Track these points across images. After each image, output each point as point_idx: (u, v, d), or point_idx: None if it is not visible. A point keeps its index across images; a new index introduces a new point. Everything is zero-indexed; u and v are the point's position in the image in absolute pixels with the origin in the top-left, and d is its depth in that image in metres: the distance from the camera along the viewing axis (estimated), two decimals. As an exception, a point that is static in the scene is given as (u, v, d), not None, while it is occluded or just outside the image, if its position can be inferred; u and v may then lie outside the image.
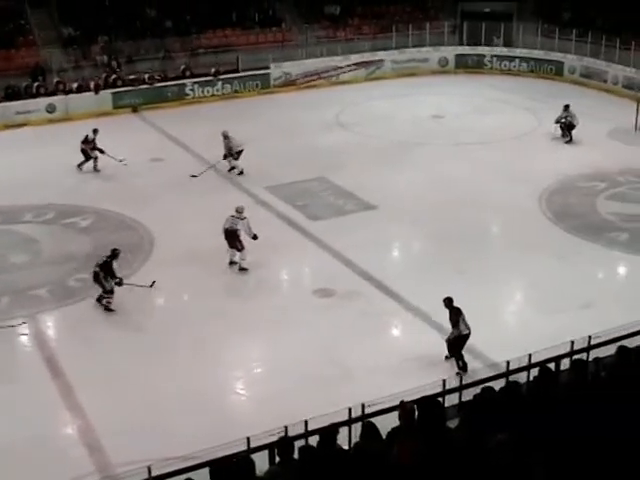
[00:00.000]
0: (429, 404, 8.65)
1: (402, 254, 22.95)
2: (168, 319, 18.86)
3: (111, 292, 18.98)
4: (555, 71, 41.78)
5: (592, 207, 24.76)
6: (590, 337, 14.72)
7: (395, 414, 9.05)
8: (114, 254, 19.09)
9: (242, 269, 20.86)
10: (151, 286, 19.30)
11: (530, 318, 18.51)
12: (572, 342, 14.52)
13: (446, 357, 16.82)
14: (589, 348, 14.58)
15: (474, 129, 32.76)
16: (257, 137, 30.52)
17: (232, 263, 21.02)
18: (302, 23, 42.46)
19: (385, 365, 16.51)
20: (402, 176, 27.16)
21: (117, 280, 18.92)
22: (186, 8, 40.71)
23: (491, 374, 13.82)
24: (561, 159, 29.13)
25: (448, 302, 16.60)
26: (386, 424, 9.10)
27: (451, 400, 13.06)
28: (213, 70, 37.96)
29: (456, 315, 16.49)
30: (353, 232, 22.94)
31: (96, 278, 18.95)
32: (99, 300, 19.09)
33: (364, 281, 20.25)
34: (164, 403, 15.50)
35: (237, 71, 38.91)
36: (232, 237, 20.73)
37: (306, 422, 11.86)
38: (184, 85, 37.45)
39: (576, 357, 13.29)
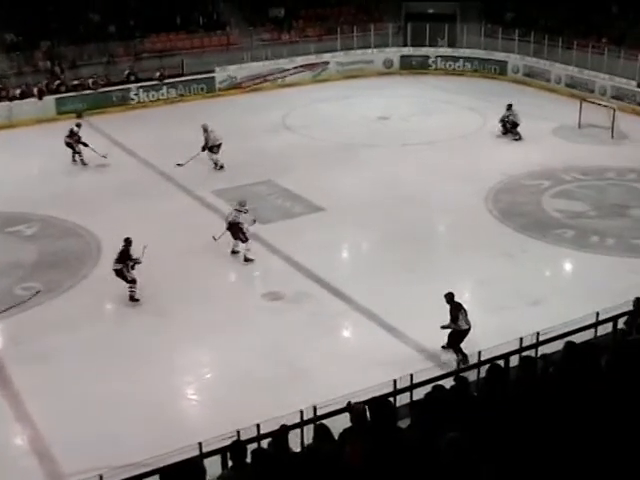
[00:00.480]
0: (380, 404, 8.67)
1: (351, 255, 22.99)
2: (116, 326, 18.73)
3: (134, 282, 19.46)
4: (499, 71, 42.24)
5: (538, 205, 25.02)
6: (538, 333, 14.89)
7: (347, 415, 9.07)
8: (128, 242, 19.57)
9: (247, 260, 21.49)
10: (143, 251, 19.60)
11: (479, 316, 18.57)
12: (521, 339, 14.65)
13: (442, 347, 16.92)
14: (537, 344, 14.73)
15: (420, 130, 32.96)
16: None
17: (234, 252, 21.78)
18: (247, 26, 42.39)
19: (336, 366, 16.52)
20: (349, 178, 27.22)
21: (137, 261, 19.52)
22: (130, 12, 40.47)
23: (442, 372, 13.89)
24: (507, 158, 29.42)
25: (449, 298, 16.75)
26: (338, 425, 9.11)
27: (403, 399, 13.12)
28: (158, 74, 37.76)
29: (456, 310, 16.64)
30: (302, 234, 22.95)
31: (119, 274, 19.47)
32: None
33: (313, 283, 20.26)
34: (114, 410, 15.34)
35: (182, 75, 38.77)
36: (235, 229, 21.46)
37: (258, 425, 11.84)
38: (129, 90, 37.20)
39: (525, 353, 13.41)
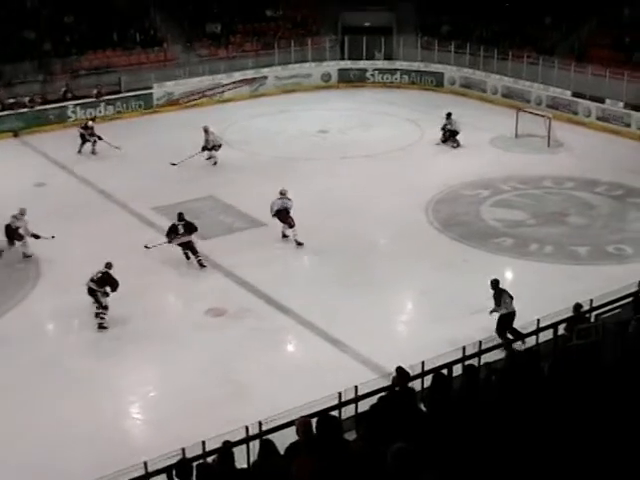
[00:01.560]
0: (325, 418, 8.66)
1: (293, 270, 22.93)
2: (55, 348, 18.45)
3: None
4: (436, 82, 42.61)
5: (477, 215, 25.26)
6: (481, 342, 15.02)
7: (293, 429, 9.06)
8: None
9: (299, 243, 23.27)
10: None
11: (422, 326, 18.77)
12: (464, 348, 14.76)
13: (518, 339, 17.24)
14: (480, 353, 14.88)
15: (359, 143, 33.11)
16: (142, 157, 30.26)
17: (285, 236, 23.71)
18: (184, 42, 42.29)
19: (280, 381, 16.49)
20: (290, 192, 27.11)
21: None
22: (65, 29, 40.10)
23: (386, 384, 13.92)
24: (446, 168, 29.66)
25: (494, 284, 17.95)
26: (284, 440, 9.09)
27: (348, 412, 13.14)
28: (95, 91, 37.41)
29: (498, 295, 17.73)
30: (243, 250, 22.88)
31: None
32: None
33: (256, 298, 20.21)
34: (58, 432, 15.14)
35: (119, 92, 38.44)
36: (285, 215, 23.45)
37: (204, 443, 11.78)
38: (66, 107, 36.78)
39: (468, 362, 13.51)
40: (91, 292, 19.07)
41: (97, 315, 19.02)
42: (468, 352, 14.75)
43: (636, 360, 10.30)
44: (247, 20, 44.72)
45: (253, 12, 45.18)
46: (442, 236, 23.90)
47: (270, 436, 10.42)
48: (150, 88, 39.04)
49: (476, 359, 14.59)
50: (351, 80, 43.96)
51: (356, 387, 13.59)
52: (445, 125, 32.37)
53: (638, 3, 38.35)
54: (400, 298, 20.84)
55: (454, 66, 41.84)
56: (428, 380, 12.05)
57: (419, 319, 19.57)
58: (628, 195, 26.81)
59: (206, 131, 30.16)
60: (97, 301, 19.07)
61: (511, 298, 17.53)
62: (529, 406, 8.48)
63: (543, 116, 32.97)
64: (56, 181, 29.11)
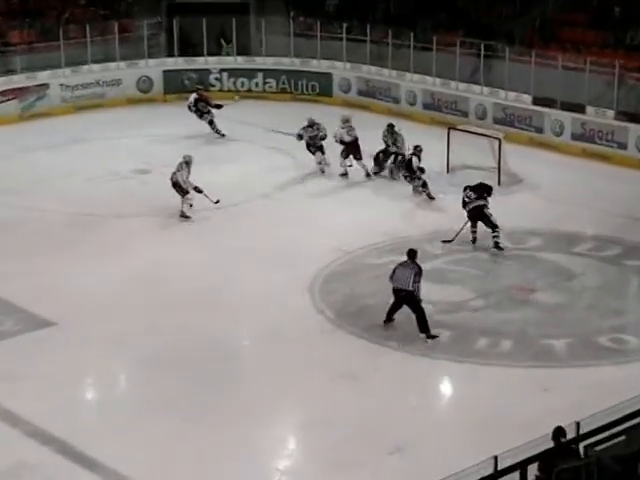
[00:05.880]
0: None
1: (98, 396, 22.65)
2: None
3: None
4: (320, 89, 43.23)
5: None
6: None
7: None
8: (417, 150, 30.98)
9: (368, 174, 34.52)
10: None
11: (316, 478, 18.73)
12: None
13: None
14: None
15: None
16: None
17: (344, 175, 34.51)
18: None
19: None
20: (95, 271, 26.94)
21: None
22: None
23: None
24: (340, 224, 29.88)
25: None
26: None
27: None
28: None
29: None
30: (17, 366, 22.52)
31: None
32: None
33: (41, 446, 19.88)
34: None
35: None
36: (355, 147, 34.13)
37: None
38: None
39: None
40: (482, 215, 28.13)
41: (493, 237, 28.13)
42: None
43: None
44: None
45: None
46: (338, 331, 24.00)
47: None
48: None
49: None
50: (185, 89, 44.19)
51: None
52: (386, 142, 33.12)
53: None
54: (276, 433, 20.71)
55: (348, 63, 42.43)
56: None
57: (310, 466, 19.49)
58: (627, 256, 27.30)
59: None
60: (488, 223, 28.02)
61: None
62: None
63: (489, 137, 33.50)
64: None
